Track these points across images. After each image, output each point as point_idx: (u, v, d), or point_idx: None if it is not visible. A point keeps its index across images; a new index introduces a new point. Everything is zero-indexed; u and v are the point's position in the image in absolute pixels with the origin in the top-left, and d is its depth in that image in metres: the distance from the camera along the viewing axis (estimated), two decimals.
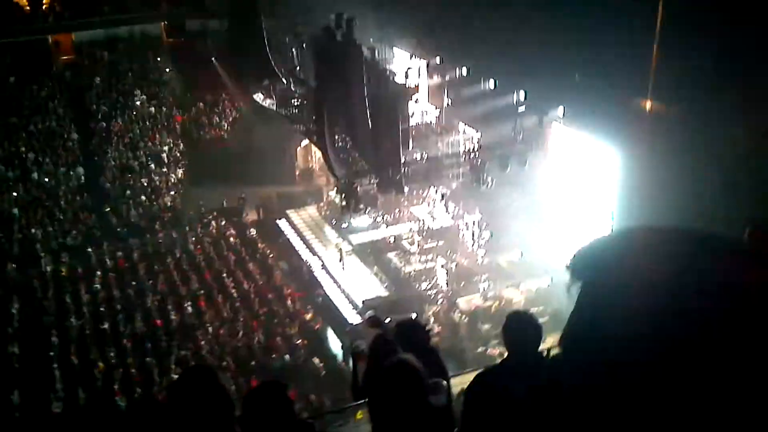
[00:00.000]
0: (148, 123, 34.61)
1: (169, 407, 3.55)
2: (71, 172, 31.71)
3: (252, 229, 28.87)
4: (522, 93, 20.60)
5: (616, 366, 0.90)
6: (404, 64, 23.83)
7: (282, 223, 29.41)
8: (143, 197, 30.87)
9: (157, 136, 34.02)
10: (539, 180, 21.15)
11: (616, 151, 17.08)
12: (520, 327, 4.16)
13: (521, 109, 20.88)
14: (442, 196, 25.05)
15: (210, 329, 22.40)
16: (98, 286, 25.05)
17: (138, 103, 35.36)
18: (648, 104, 16.61)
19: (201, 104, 35.70)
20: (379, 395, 3.77)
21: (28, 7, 36.72)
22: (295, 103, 28.23)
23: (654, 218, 15.31)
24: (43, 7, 36.95)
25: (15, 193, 30.29)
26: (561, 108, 19.55)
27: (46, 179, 31.22)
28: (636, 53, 16.07)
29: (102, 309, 23.76)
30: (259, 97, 30.35)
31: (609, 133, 17.01)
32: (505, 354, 4.27)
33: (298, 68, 28.08)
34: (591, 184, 18.66)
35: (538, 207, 21.07)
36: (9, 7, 36.13)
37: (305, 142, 30.81)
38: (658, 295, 0.92)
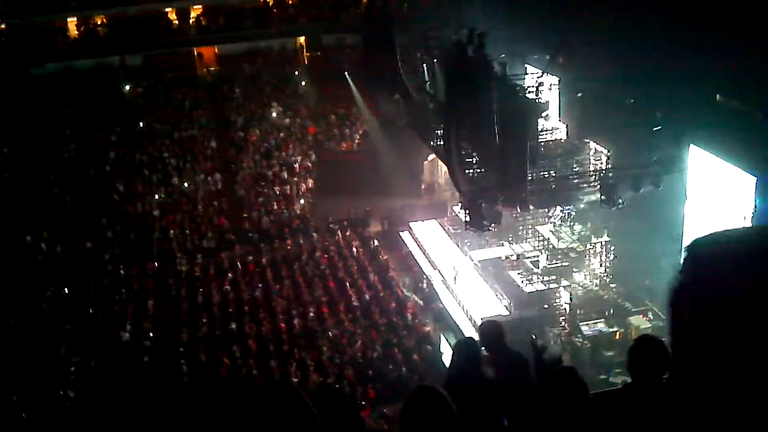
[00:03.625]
0: (282, 134, 35.84)
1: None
2: (209, 179, 33.28)
3: (376, 240, 29.26)
4: (658, 113, 19.83)
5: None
6: (535, 80, 23.50)
7: (405, 236, 29.62)
8: (275, 205, 31.95)
9: (291, 146, 35.16)
10: (674, 205, 20.24)
11: (751, 177, 16.12)
12: (647, 352, 4.01)
13: (657, 128, 20.09)
14: (569, 215, 24.46)
15: (331, 336, 22.85)
16: (228, 287, 26.10)
17: (274, 114, 36.70)
18: None
19: (333, 116, 36.59)
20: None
21: (176, 21, 39.01)
22: (424, 118, 28.38)
23: None
24: (190, 21, 39.12)
25: (157, 196, 32.12)
26: (699, 130, 18.67)
27: (186, 184, 32.91)
28: None
29: (230, 310, 24.74)
30: (388, 110, 30.75)
31: (747, 159, 16.10)
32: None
33: (428, 83, 28.24)
34: (726, 210, 17.67)
35: (671, 231, 20.17)
36: (159, 21, 38.53)
37: (432, 156, 30.91)
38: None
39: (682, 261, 1.06)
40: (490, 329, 5.87)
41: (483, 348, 5.64)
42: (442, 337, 22.88)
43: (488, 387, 5.25)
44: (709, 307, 0.96)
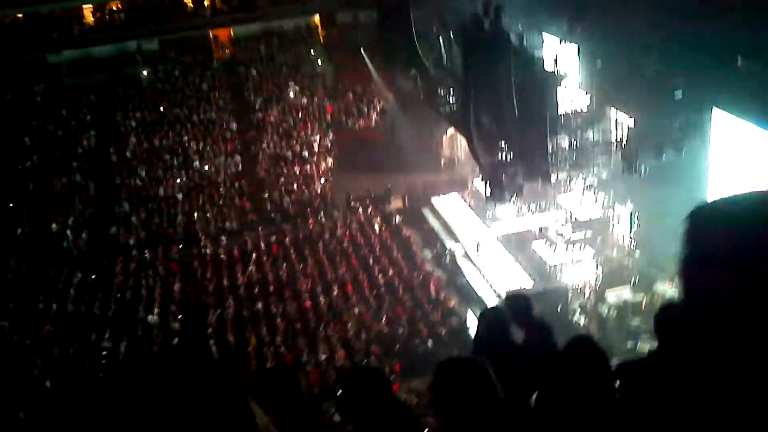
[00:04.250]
0: (300, 114, 35.86)
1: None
2: (229, 161, 33.43)
3: (397, 217, 29.30)
4: (680, 78, 19.61)
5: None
6: (554, 49, 23.29)
7: (426, 211, 29.64)
8: (295, 185, 32.05)
9: (309, 126, 35.19)
10: (697, 170, 20.06)
11: None
12: (671, 319, 3.99)
13: (678, 94, 19.86)
14: (592, 185, 24.33)
15: (357, 313, 22.99)
16: (253, 268, 26.30)
17: (292, 94, 36.71)
18: None
19: (350, 95, 36.53)
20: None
21: (191, 5, 39.02)
22: (441, 93, 28.26)
23: None
24: (205, 3, 39.11)
25: (178, 180, 32.34)
26: (721, 94, 18.44)
27: (207, 167, 33.10)
28: None
29: (256, 290, 24.95)
30: (406, 86, 30.64)
31: None
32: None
33: (444, 57, 28.08)
34: (751, 172, 17.48)
35: (695, 197, 20.01)
36: (174, 4, 38.55)
37: (451, 130, 30.81)
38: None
39: (683, 232, 1.11)
40: (517, 301, 5.87)
41: (510, 320, 5.67)
42: (469, 310, 22.96)
43: (517, 353, 5.29)
44: (712, 275, 1.00)
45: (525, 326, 5.65)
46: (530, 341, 5.56)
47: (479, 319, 5.78)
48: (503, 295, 22.22)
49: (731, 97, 17.46)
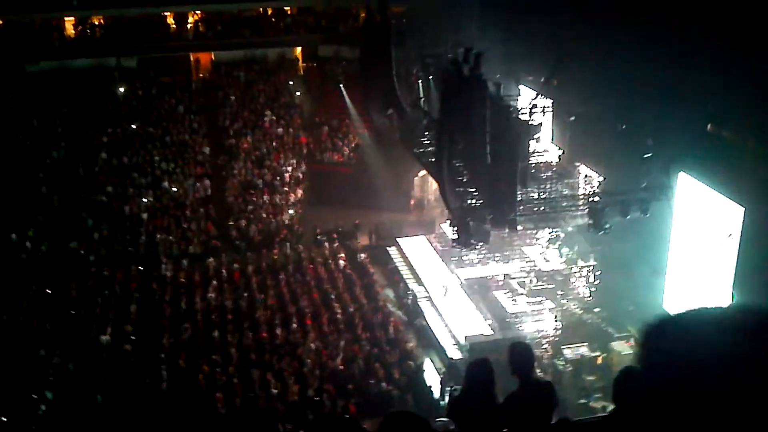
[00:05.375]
0: (274, 143, 35.81)
1: None
2: (198, 184, 33.18)
3: (363, 254, 29.20)
4: (650, 140, 19.93)
5: None
6: (529, 101, 23.59)
7: (392, 251, 29.59)
8: (263, 214, 31.86)
9: (282, 155, 35.13)
10: (660, 232, 20.31)
11: (741, 209, 16.19)
12: (629, 384, 4.04)
13: (647, 155, 20.17)
14: (557, 237, 24.49)
15: (314, 348, 22.71)
16: (212, 294, 25.95)
17: (267, 122, 36.68)
18: None
19: (326, 128, 36.61)
20: None
21: (174, 26, 39.01)
22: (417, 134, 28.43)
23: None
24: (188, 26, 39.12)
25: (145, 199, 31.99)
26: (689, 158, 18.77)
27: (175, 189, 32.80)
28: None
29: (213, 317, 24.59)
30: (382, 124, 30.79)
31: (736, 189, 16.19)
32: (608, 408, 4.18)
33: (422, 99, 28.32)
34: (713, 239, 17.73)
35: (657, 259, 20.22)
36: (157, 25, 38.51)
37: (422, 172, 30.94)
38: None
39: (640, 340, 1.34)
40: (521, 352, 5.84)
41: (511, 371, 5.67)
42: (426, 354, 22.84)
43: (496, 411, 5.29)
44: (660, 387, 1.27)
45: (524, 377, 5.62)
46: (528, 395, 5.51)
47: (467, 369, 5.72)
48: (461, 341, 22.20)
49: (698, 162, 17.78)
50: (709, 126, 17.96)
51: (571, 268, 24.27)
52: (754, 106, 15.73)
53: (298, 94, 38.72)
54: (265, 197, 32.79)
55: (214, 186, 33.36)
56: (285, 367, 21.84)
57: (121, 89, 37.42)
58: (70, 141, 34.64)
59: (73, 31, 38.27)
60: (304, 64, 40.79)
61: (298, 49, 40.82)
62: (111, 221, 30.70)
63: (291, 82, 39.12)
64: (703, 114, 17.44)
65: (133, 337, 23.63)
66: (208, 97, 38.35)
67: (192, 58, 39.98)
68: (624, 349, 20.71)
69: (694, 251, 18.43)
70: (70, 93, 36.03)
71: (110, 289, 26.46)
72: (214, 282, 26.73)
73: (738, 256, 16.22)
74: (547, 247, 25.48)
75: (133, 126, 35.61)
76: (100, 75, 37.39)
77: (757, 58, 15.17)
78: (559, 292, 23.90)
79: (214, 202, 32.55)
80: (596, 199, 20.75)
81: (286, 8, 39.79)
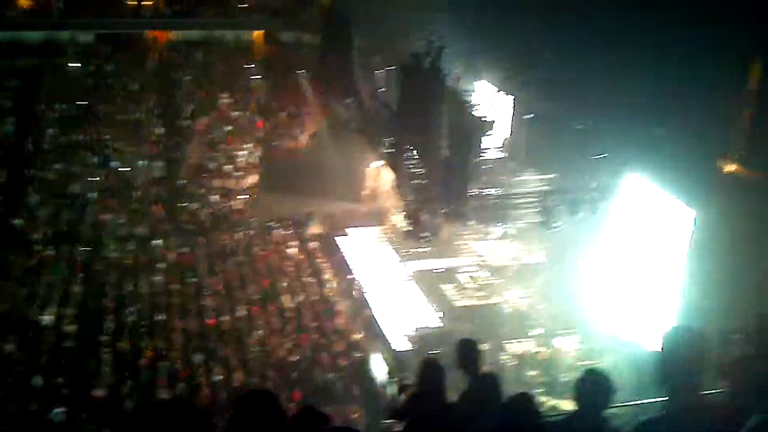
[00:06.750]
0: (229, 127, 35.37)
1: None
2: (149, 165, 32.60)
3: (313, 243, 29.02)
4: (601, 139, 20.15)
5: None
6: (487, 97, 23.66)
7: (342, 241, 29.49)
8: (215, 197, 31.45)
9: (237, 140, 34.72)
10: (609, 230, 20.57)
11: (691, 211, 16.46)
12: (594, 387, 4.15)
13: (599, 156, 20.39)
14: (507, 233, 24.65)
15: (259, 336, 22.52)
16: (159, 278, 25.54)
17: (223, 105, 36.20)
18: (733, 167, 16.07)
19: (283, 114, 36.26)
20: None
21: (132, 2, 38.21)
22: (374, 124, 28.33)
23: (723, 283, 14.71)
24: (147, 3, 38.35)
25: (94, 179, 31.31)
26: (639, 159, 19.01)
27: (125, 169, 32.17)
28: (723, 113, 15.61)
29: (158, 301, 24.21)
30: (340, 113, 30.62)
31: (686, 191, 16.45)
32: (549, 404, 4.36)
33: (382, 90, 28.22)
34: (662, 240, 18.01)
35: (604, 257, 20.49)
36: (115, 1, 37.70)
37: (376, 163, 30.88)
38: None
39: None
40: (470, 348, 5.85)
41: (460, 366, 5.67)
42: (372, 345, 22.82)
43: (450, 410, 5.30)
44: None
45: (473, 374, 5.62)
46: (474, 389, 5.50)
47: (418, 369, 5.69)
48: (409, 333, 22.23)
49: (649, 164, 18.02)
50: (659, 128, 18.20)
51: (519, 265, 24.46)
52: (704, 111, 15.97)
53: (256, 78, 38.25)
54: (218, 181, 32.38)
55: (166, 167, 32.80)
56: (230, 354, 21.61)
57: (75, 64, 36.50)
58: (19, 116, 33.68)
59: (27, 2, 37.22)
60: (264, 48, 40.28)
61: (259, 33, 40.30)
62: (57, 199, 29.99)
63: (250, 66, 38.63)
64: (656, 116, 17.64)
65: (76, 319, 23.14)
66: (164, 77, 37.65)
67: (149, 36, 39.19)
68: (567, 346, 20.96)
69: (643, 252, 18.69)
70: (21, 67, 35.02)
71: (54, 269, 25.85)
72: (161, 265, 26.30)
73: (688, 258, 16.49)
74: (497, 243, 25.65)
75: (85, 103, 34.77)
76: (54, 50, 36.41)
77: (704, 66, 15.40)
78: (507, 288, 24.07)
79: (165, 184, 32.02)
80: (547, 197, 20.92)
81: None
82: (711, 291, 15.12)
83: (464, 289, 24.50)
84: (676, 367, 3.53)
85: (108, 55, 37.50)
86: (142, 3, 38.25)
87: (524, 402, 4.01)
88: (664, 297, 17.25)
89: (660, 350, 3.55)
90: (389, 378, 20.76)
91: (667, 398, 3.75)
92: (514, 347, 21.27)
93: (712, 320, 13.72)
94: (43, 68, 35.39)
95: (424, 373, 5.65)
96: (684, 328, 3.81)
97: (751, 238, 14.03)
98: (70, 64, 36.42)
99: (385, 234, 29.62)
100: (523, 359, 20.68)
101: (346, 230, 29.91)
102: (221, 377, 20.56)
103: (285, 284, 25.53)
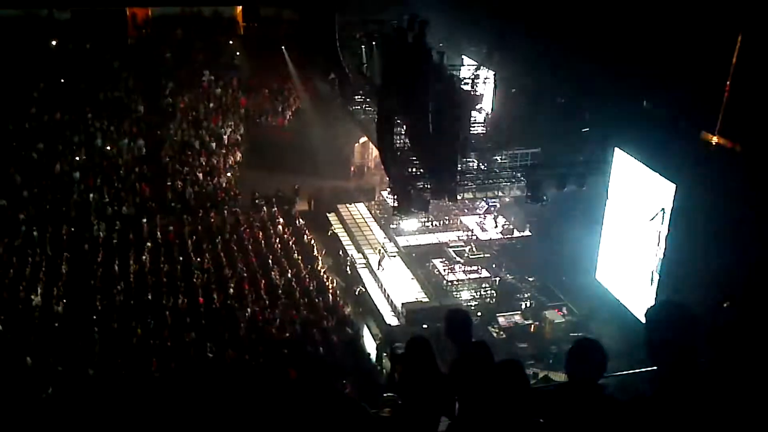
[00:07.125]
0: (212, 104, 35.12)
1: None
2: (133, 144, 32.36)
3: (301, 219, 29.05)
4: (587, 114, 20.29)
5: None
6: (472, 72, 23.66)
7: (331, 217, 29.55)
8: (200, 175, 31.31)
9: (221, 117, 34.50)
10: (595, 205, 20.78)
11: (672, 186, 16.69)
12: (586, 354, 4.13)
13: (585, 130, 20.54)
14: (495, 208, 24.81)
15: (249, 313, 22.59)
16: (146, 257, 25.49)
17: (205, 82, 35.92)
18: (714, 139, 16.25)
19: (266, 91, 36.06)
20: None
21: None
22: (358, 100, 28.28)
23: (704, 256, 14.98)
24: None
25: (78, 158, 31.05)
26: (625, 134, 19.18)
27: (108, 147, 31.92)
28: (708, 87, 15.78)
29: (147, 280, 24.18)
30: (323, 89, 30.51)
31: (668, 167, 16.65)
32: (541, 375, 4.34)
33: (365, 65, 28.11)
34: (645, 214, 18.25)
35: (591, 230, 20.72)
36: None
37: (363, 138, 30.86)
38: None
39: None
40: (458, 317, 5.87)
41: (448, 337, 5.69)
42: (363, 320, 23.00)
43: (442, 384, 5.34)
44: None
45: (462, 344, 5.66)
46: (463, 359, 5.56)
47: (406, 348, 5.73)
48: (398, 308, 22.40)
49: (633, 138, 18.19)
50: (644, 103, 18.35)
51: (508, 239, 24.68)
52: (688, 85, 16.12)
53: (238, 54, 37.94)
54: (203, 159, 32.22)
55: (149, 146, 32.56)
56: (221, 331, 21.68)
57: (54, 42, 35.98)
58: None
59: None
60: (244, 24, 39.87)
61: (239, 9, 39.85)
62: (41, 179, 29.74)
63: (231, 42, 38.28)
64: (640, 91, 17.78)
65: (64, 299, 23.08)
66: (144, 54, 37.20)
67: (128, 13, 38.62)
68: (556, 317, 21.25)
69: (626, 225, 18.95)
70: None
71: (41, 249, 25.74)
72: (149, 244, 26.24)
73: (668, 231, 16.74)
74: (486, 217, 25.82)
75: (66, 81, 34.34)
76: (31, 26, 35.80)
77: (689, 43, 15.55)
78: (495, 262, 24.29)
79: (149, 162, 31.81)
80: (534, 171, 21.06)
81: None
82: (691, 261, 15.40)
83: (454, 263, 24.68)
84: (664, 344, 3.56)
85: (87, 32, 36.92)
86: None
87: (512, 369, 4.02)
88: (644, 269, 17.57)
89: (646, 327, 3.56)
90: (379, 352, 20.97)
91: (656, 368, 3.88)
92: (504, 320, 21.53)
93: (693, 288, 14.00)
94: (21, 46, 34.82)
95: (412, 351, 5.70)
96: (669, 305, 3.78)
97: (729, 208, 14.26)
98: (49, 42, 35.84)
99: (374, 210, 29.70)
100: (513, 332, 20.95)
101: (335, 206, 29.96)
102: (212, 355, 20.61)
103: (274, 261, 25.52)
